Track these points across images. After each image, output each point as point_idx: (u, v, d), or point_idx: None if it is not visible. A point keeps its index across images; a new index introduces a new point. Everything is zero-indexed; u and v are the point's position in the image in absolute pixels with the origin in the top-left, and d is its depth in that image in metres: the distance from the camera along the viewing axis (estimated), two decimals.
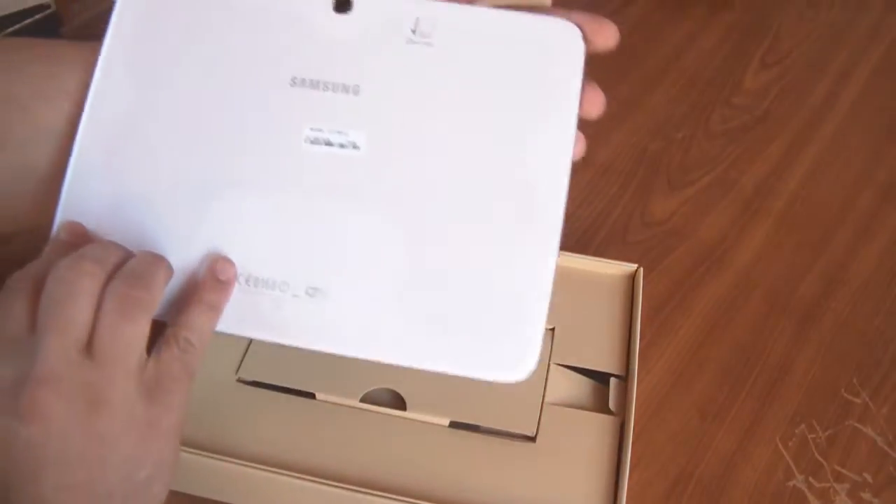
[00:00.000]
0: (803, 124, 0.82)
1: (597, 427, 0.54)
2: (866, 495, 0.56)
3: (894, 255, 0.70)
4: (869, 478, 0.57)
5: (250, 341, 0.56)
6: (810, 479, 0.56)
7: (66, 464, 0.37)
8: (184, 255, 0.42)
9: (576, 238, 0.69)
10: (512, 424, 0.53)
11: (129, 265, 0.39)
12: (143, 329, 0.39)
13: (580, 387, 0.56)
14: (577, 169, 0.74)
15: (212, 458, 0.49)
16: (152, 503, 0.40)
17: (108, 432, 0.37)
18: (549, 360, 0.57)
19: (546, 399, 0.55)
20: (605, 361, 0.57)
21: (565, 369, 0.57)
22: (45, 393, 0.36)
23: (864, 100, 0.85)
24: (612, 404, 0.54)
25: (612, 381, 0.56)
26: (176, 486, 0.52)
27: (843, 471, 0.57)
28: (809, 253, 0.70)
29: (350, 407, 0.54)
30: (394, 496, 0.48)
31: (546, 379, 0.56)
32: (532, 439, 0.53)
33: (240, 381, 0.54)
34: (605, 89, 0.82)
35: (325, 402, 0.54)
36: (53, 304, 0.38)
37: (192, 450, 0.50)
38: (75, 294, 0.38)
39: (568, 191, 0.43)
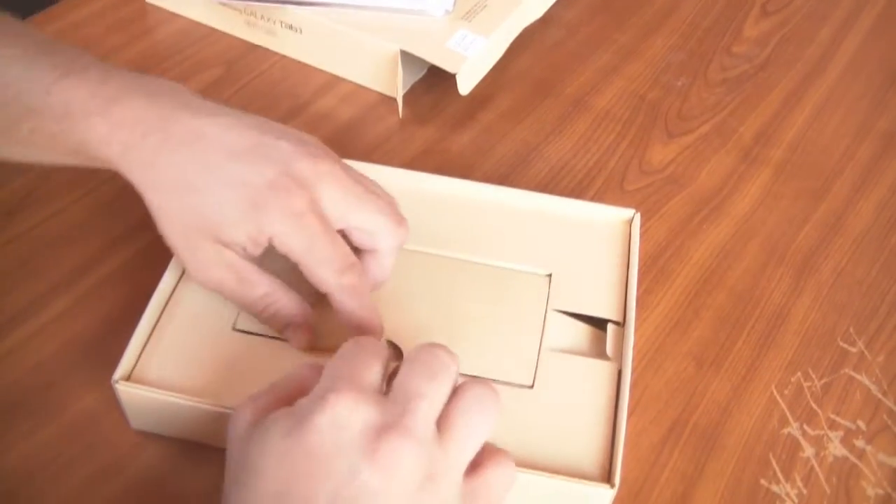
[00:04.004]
0: (804, 73, 0.81)
1: (594, 373, 0.54)
2: (859, 442, 0.56)
3: (893, 205, 0.70)
4: (862, 425, 0.57)
5: None
6: (805, 426, 0.56)
7: None
8: None
9: (573, 186, 0.69)
10: (509, 371, 0.53)
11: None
12: (489, 431, 0.42)
13: (577, 333, 0.56)
14: (574, 116, 0.74)
15: (208, 406, 0.50)
16: None
17: None
18: (547, 307, 0.56)
19: (543, 345, 0.54)
20: (603, 308, 0.57)
21: (563, 315, 0.56)
22: (403, 446, 0.39)
23: (867, 48, 0.84)
24: (609, 350, 0.54)
25: (610, 327, 0.56)
26: (173, 433, 0.52)
27: (837, 418, 0.57)
28: (808, 202, 0.70)
29: None
30: None
31: (543, 325, 0.56)
32: (529, 386, 0.53)
33: (236, 330, 0.54)
34: (604, 36, 0.82)
35: (322, 352, 0.54)
36: (427, 376, 0.42)
37: (189, 398, 0.50)
38: (444, 374, 0.42)
39: None
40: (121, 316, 0.57)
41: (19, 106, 0.49)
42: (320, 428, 0.39)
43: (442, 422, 0.41)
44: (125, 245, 0.62)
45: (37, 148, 0.51)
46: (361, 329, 0.52)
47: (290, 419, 0.41)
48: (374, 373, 0.43)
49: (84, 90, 0.49)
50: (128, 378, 0.51)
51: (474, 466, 0.42)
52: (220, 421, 0.50)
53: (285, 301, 0.52)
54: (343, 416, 0.39)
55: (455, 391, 0.43)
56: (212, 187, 0.48)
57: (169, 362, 0.52)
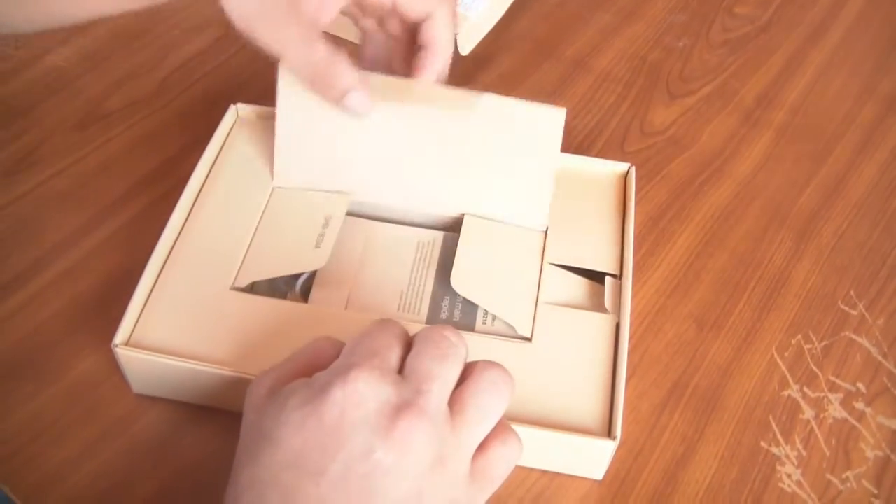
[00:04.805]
0: (806, 35, 0.81)
1: (592, 326, 0.54)
2: (859, 405, 0.56)
3: (895, 168, 0.70)
4: (862, 388, 0.57)
5: (247, 250, 0.56)
6: (805, 388, 0.57)
7: (390, 498, 0.39)
8: None
9: (573, 147, 0.68)
10: (508, 325, 0.53)
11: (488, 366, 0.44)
12: (500, 414, 0.43)
13: (575, 286, 0.56)
14: (575, 78, 0.74)
15: (208, 368, 0.50)
16: None
17: (432, 490, 0.40)
18: (543, 260, 0.56)
19: (540, 299, 0.54)
20: (600, 261, 0.57)
21: (559, 269, 0.56)
22: (418, 426, 0.40)
23: (870, 10, 0.84)
24: (607, 303, 0.54)
25: (608, 280, 0.56)
26: (174, 395, 0.53)
27: (837, 381, 0.57)
28: (810, 164, 0.70)
29: (342, 310, 0.54)
30: None
31: (539, 279, 0.55)
32: (528, 340, 0.53)
33: (234, 289, 0.54)
34: None
35: (319, 302, 0.54)
36: (438, 357, 0.42)
37: (189, 361, 0.50)
38: (454, 356, 0.43)
39: None
40: (120, 278, 0.57)
41: None
42: (337, 401, 0.40)
43: (455, 403, 0.42)
44: (124, 207, 0.62)
45: None
46: (444, 62, 0.55)
47: (307, 390, 0.41)
48: (394, 353, 0.43)
49: None
50: (127, 342, 0.51)
51: (481, 443, 0.43)
52: (219, 383, 0.50)
53: (343, 66, 0.52)
54: (361, 391, 0.40)
55: (470, 373, 0.43)
56: None
57: (168, 324, 0.52)
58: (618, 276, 0.56)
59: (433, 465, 0.40)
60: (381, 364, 0.42)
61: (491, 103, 0.56)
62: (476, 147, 0.57)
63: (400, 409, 0.40)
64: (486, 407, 0.43)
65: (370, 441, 0.39)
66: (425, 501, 0.40)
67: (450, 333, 0.44)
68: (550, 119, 0.56)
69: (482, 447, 0.43)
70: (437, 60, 0.55)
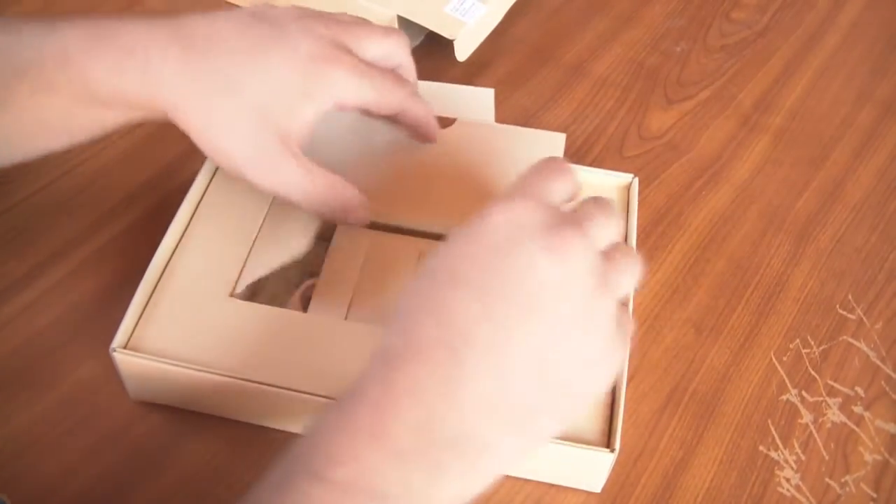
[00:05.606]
0: (804, 39, 0.81)
1: None
2: (857, 409, 0.56)
3: (893, 172, 0.70)
4: (861, 392, 0.57)
5: (246, 257, 0.55)
6: (803, 393, 0.57)
7: (553, 311, 0.39)
8: None
9: (571, 152, 0.68)
10: None
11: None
12: (635, 283, 0.43)
13: None
14: (573, 83, 0.74)
15: (206, 373, 0.49)
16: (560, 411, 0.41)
17: (598, 313, 0.40)
18: None
19: None
20: None
21: None
22: (580, 239, 0.40)
23: (867, 14, 0.84)
24: None
25: None
26: (171, 401, 0.53)
27: (836, 385, 0.57)
28: (807, 169, 0.70)
29: (342, 320, 0.54)
30: None
31: None
32: None
33: (233, 297, 0.54)
34: (602, 2, 0.82)
35: (319, 311, 0.54)
36: (607, 212, 0.43)
37: (186, 365, 0.50)
38: (616, 218, 0.44)
39: None
40: (118, 285, 0.57)
41: (15, 67, 0.49)
42: (498, 225, 0.40)
43: (606, 254, 0.42)
44: (121, 214, 0.62)
45: (40, 114, 0.50)
46: (430, 132, 0.57)
47: (467, 225, 0.41)
48: (558, 190, 0.43)
49: (78, 33, 0.49)
50: (125, 346, 0.51)
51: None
52: (217, 390, 0.50)
53: (350, 189, 0.53)
54: (521, 216, 0.40)
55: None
56: (262, 77, 0.49)
57: (167, 330, 0.52)
58: None
59: (595, 287, 0.40)
60: (543, 197, 0.42)
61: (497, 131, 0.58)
62: (478, 157, 0.57)
63: (560, 224, 0.40)
64: (632, 266, 0.43)
65: (533, 252, 0.39)
66: (594, 321, 0.40)
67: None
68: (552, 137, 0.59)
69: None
70: (427, 132, 0.57)
